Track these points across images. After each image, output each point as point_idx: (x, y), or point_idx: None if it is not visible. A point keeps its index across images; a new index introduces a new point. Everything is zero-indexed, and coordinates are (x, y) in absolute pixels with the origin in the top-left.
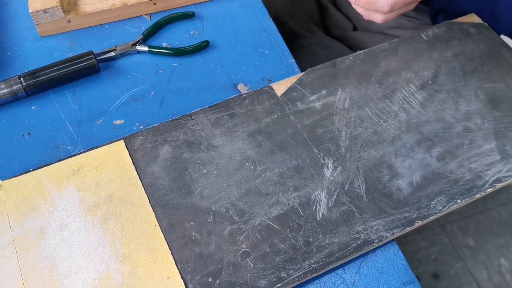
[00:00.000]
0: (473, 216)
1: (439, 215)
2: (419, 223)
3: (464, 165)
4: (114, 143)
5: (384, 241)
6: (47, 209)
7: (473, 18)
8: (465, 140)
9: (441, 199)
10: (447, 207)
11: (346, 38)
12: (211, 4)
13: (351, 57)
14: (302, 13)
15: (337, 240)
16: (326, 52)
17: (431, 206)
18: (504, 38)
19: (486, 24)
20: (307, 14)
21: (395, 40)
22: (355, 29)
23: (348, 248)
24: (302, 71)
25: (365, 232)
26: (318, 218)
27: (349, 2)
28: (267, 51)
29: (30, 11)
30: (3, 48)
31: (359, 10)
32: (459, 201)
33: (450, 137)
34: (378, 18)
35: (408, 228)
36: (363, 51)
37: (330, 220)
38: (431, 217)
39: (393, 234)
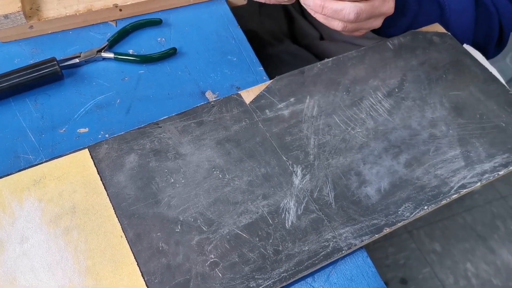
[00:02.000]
0: (439, 221)
1: (406, 221)
2: (387, 230)
3: (430, 171)
4: (78, 152)
5: (353, 248)
6: (6, 221)
7: (437, 27)
8: (431, 147)
9: (409, 206)
10: (414, 213)
11: (313, 47)
12: (179, 11)
13: (319, 65)
14: (270, 22)
15: (307, 248)
16: (293, 60)
17: (399, 212)
18: (467, 47)
19: (449, 33)
20: (275, 24)
21: (362, 48)
22: (321, 38)
23: (318, 256)
24: (270, 79)
25: (334, 240)
26: (287, 226)
27: None
28: (235, 59)
29: None
30: None
31: (320, 18)
32: (425, 207)
33: (417, 144)
34: (338, 25)
35: (376, 235)
36: (331, 59)
37: (299, 228)
38: (399, 224)
39: (362, 241)
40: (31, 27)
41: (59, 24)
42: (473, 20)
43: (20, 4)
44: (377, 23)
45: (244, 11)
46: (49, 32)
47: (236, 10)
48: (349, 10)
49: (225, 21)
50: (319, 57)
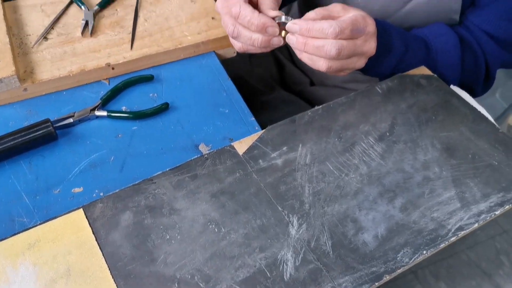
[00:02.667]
0: (443, 260)
1: (406, 267)
2: (387, 277)
3: (427, 214)
4: (72, 212)
5: None
6: (0, 287)
7: (423, 70)
8: (425, 190)
9: (407, 251)
10: (413, 258)
11: (304, 93)
12: (170, 66)
13: (309, 113)
14: (261, 71)
15: None
16: (286, 107)
17: (398, 258)
18: (454, 88)
19: (435, 75)
20: (265, 71)
21: (352, 94)
22: (312, 84)
23: None
24: (263, 128)
25: None
26: (285, 278)
27: None
28: (227, 110)
29: None
30: None
31: (305, 59)
32: (424, 252)
33: (411, 187)
34: (322, 65)
35: (376, 283)
36: (321, 106)
37: (298, 280)
38: (398, 270)
39: None
40: (25, 89)
41: (53, 86)
42: (460, 60)
43: (14, 68)
44: (360, 63)
45: (234, 61)
46: (43, 93)
47: (226, 60)
48: (331, 46)
49: (215, 74)
50: (311, 102)
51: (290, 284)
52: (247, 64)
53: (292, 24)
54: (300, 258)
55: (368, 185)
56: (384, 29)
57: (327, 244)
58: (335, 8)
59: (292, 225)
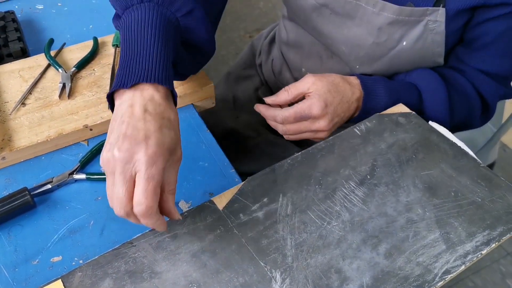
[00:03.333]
0: None
1: None
2: None
3: (412, 259)
4: (51, 284)
5: None
6: None
7: (401, 108)
8: (409, 233)
9: None
10: None
11: None
12: None
13: (289, 161)
14: (246, 116)
15: None
16: (273, 149)
17: None
18: (433, 124)
19: (414, 112)
20: (250, 116)
21: (330, 138)
22: None
23: None
24: (247, 174)
25: None
26: None
27: None
28: (206, 164)
29: None
30: None
31: (269, 123)
32: None
33: (395, 231)
34: (280, 129)
35: None
36: (300, 153)
37: None
38: None
39: None
40: (3, 158)
41: (31, 152)
42: (446, 98)
43: None
44: (320, 135)
45: (218, 110)
46: (22, 160)
47: (209, 110)
48: (280, 128)
49: (194, 127)
50: (298, 143)
51: None
52: (231, 111)
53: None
54: None
55: (351, 232)
56: (368, 92)
57: None
58: (305, 85)
59: (276, 281)
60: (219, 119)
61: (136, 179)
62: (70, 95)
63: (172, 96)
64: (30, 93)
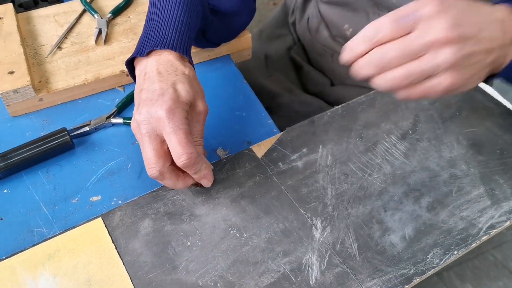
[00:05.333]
0: (468, 261)
1: (437, 268)
2: (418, 279)
3: (456, 213)
4: (91, 221)
5: None
6: None
7: None
8: (453, 188)
9: (437, 252)
10: (444, 259)
11: (324, 94)
12: None
13: (328, 113)
14: (278, 74)
15: None
16: (305, 109)
17: (428, 260)
18: None
19: None
20: (283, 74)
21: (371, 92)
22: (332, 84)
23: None
24: (281, 131)
25: None
26: (311, 283)
27: (325, 58)
28: (244, 114)
29: None
30: None
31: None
32: (455, 252)
33: (437, 185)
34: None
35: (406, 286)
36: (340, 106)
37: (324, 284)
38: (429, 272)
39: None
40: (40, 99)
41: (68, 95)
42: None
43: (29, 78)
44: (442, 81)
45: (251, 66)
46: (59, 103)
47: (242, 65)
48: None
49: (231, 77)
50: (332, 103)
51: None
52: (264, 69)
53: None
54: (325, 261)
55: (392, 185)
56: None
57: (353, 247)
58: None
59: (316, 228)
60: (252, 76)
61: (165, 138)
62: (106, 41)
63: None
64: (66, 38)
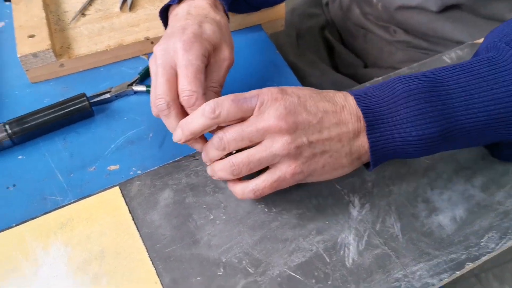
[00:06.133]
0: (508, 262)
1: (492, 254)
2: (471, 265)
3: None
4: (108, 190)
5: None
6: (29, 270)
7: None
8: (509, 167)
9: (493, 236)
10: (500, 244)
11: (357, 76)
12: None
13: (367, 85)
14: (310, 53)
15: None
16: (337, 89)
17: (482, 244)
18: None
19: None
20: (314, 54)
21: (416, 64)
22: (365, 66)
23: None
24: None
25: (406, 280)
26: (348, 264)
27: (358, 39)
28: (275, 84)
29: (18, 56)
30: None
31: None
32: None
33: (492, 164)
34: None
35: (458, 272)
36: (381, 77)
37: (362, 266)
38: (483, 257)
39: (441, 280)
40: (61, 65)
41: (90, 61)
42: None
43: (49, 42)
44: (281, 169)
45: (282, 43)
46: (80, 70)
47: (273, 41)
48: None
49: (263, 47)
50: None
51: (353, 270)
52: (295, 47)
53: None
54: (364, 241)
55: (440, 162)
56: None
57: (396, 227)
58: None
59: (353, 205)
60: (282, 54)
61: (177, 70)
62: (131, 8)
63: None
64: (90, 5)
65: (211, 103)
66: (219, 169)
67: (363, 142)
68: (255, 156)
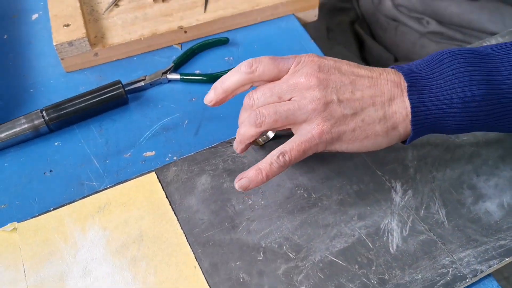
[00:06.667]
0: None
1: None
2: None
3: None
4: (144, 175)
5: (480, 276)
6: (68, 252)
7: None
8: None
9: None
10: None
11: None
12: (245, 30)
13: None
14: (340, 47)
15: (420, 276)
16: None
17: None
18: None
19: None
20: (345, 48)
21: None
22: (396, 60)
23: (436, 286)
24: None
25: (453, 266)
26: (392, 250)
27: (388, 32)
28: None
29: (54, 44)
30: (26, 86)
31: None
32: None
33: None
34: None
35: (507, 259)
36: None
37: (407, 252)
38: None
39: (490, 267)
40: (95, 54)
41: (124, 50)
42: None
43: (84, 31)
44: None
45: (312, 36)
46: (114, 59)
47: None
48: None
49: (296, 36)
50: None
51: (398, 257)
52: (325, 41)
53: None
54: (408, 227)
55: (485, 148)
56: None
57: (440, 213)
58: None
59: (396, 191)
60: None
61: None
62: None
63: None
64: None
65: (249, 59)
66: (244, 123)
67: (400, 107)
68: (282, 107)
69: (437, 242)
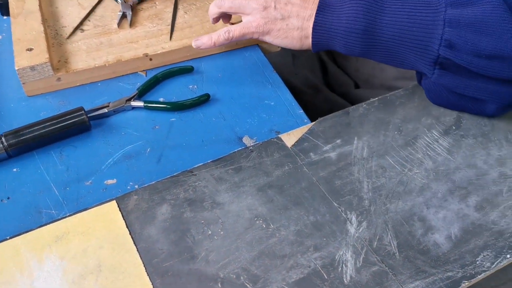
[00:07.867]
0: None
1: (487, 273)
2: (466, 283)
3: (508, 214)
4: (105, 204)
5: None
6: (24, 282)
7: None
8: (503, 187)
9: (488, 255)
10: (495, 263)
11: (349, 95)
12: (210, 58)
13: (364, 105)
14: (305, 72)
15: None
16: (331, 108)
17: (477, 262)
18: None
19: None
20: (309, 73)
21: (410, 86)
22: (356, 86)
23: None
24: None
25: None
26: (345, 281)
27: (350, 59)
28: (272, 103)
29: (16, 68)
30: None
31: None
32: (508, 256)
33: (486, 184)
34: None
35: None
36: (377, 98)
37: (360, 283)
38: (479, 276)
39: None
40: (58, 79)
41: (88, 76)
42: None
43: (47, 56)
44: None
45: (277, 62)
46: (78, 84)
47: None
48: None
49: (259, 66)
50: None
51: (351, 287)
52: (290, 65)
53: None
54: (361, 259)
55: (435, 181)
56: None
57: (392, 244)
58: None
59: (351, 223)
60: (278, 73)
61: None
62: (131, 25)
63: None
64: (89, 20)
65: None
66: (211, 4)
67: (312, 24)
68: (237, 0)
69: (388, 273)
